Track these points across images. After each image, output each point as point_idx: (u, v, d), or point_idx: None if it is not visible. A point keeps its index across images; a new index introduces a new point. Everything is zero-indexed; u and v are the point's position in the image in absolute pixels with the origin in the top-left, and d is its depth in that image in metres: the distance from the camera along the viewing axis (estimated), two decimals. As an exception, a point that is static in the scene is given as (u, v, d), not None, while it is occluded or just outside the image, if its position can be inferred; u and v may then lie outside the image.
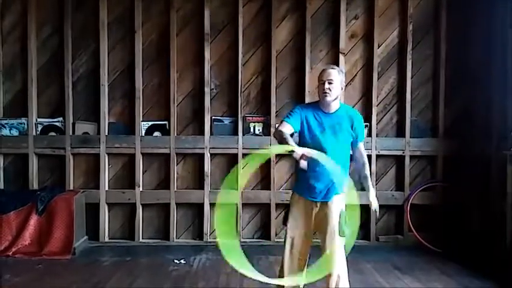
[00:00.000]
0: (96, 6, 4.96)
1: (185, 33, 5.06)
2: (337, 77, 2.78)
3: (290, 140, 2.64)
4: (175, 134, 5.02)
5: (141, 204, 5.01)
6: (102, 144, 4.97)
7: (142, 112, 5.04)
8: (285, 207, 3.11)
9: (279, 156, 4.95)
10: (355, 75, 5.12)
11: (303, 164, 2.56)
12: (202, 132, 5.03)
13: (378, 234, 5.08)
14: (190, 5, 5.05)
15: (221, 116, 5.09)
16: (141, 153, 5.00)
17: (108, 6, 4.98)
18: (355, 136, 2.85)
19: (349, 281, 2.83)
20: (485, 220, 4.70)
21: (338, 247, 2.74)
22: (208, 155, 5.01)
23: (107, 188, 5.01)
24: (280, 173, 5.08)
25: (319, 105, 2.85)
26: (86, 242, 4.83)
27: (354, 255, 2.95)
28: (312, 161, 2.60)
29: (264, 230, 5.13)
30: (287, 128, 2.77)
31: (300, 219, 2.86)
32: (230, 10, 5.04)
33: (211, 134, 5.02)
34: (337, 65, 4.76)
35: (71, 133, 4.97)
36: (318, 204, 2.80)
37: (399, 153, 5.07)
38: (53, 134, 5.01)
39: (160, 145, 4.99)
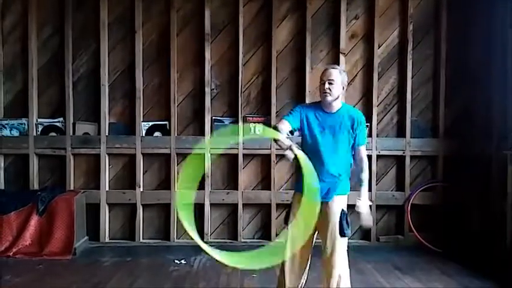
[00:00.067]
0: (96, 7, 4.96)
1: (185, 33, 5.06)
2: (338, 77, 2.78)
3: (282, 134, 2.70)
4: (176, 134, 5.02)
5: (142, 204, 5.01)
6: (103, 145, 4.97)
7: (143, 112, 5.04)
8: (286, 208, 3.11)
9: (280, 157, 4.94)
10: (356, 75, 5.12)
11: (289, 155, 2.58)
12: (202, 133, 5.03)
13: (378, 234, 5.08)
14: (191, 5, 5.05)
15: (221, 116, 5.09)
16: (142, 153, 5.00)
17: (109, 6, 4.99)
18: (354, 137, 2.83)
19: (350, 281, 2.83)
20: (485, 220, 4.70)
21: (339, 247, 2.74)
22: (209, 155, 5.01)
23: (107, 189, 5.01)
24: (280, 173, 5.08)
25: (321, 105, 2.87)
26: (87, 242, 4.83)
27: (355, 256, 2.96)
28: (311, 161, 2.60)
29: (264, 231, 5.12)
30: (285, 125, 2.81)
31: (301, 218, 2.86)
32: (230, 10, 5.04)
33: (211, 134, 5.03)
34: (338, 65, 4.75)
35: (71, 133, 4.97)
36: (319, 204, 2.80)
37: (400, 153, 5.07)
38: (53, 134, 5.01)
39: (161, 145, 4.99)
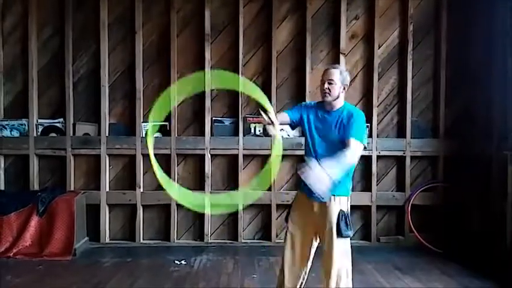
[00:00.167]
0: (96, 7, 4.96)
1: (186, 34, 5.07)
2: (338, 77, 2.79)
3: (276, 122, 2.71)
4: (176, 135, 5.02)
5: (142, 205, 5.01)
6: (103, 145, 4.97)
7: (143, 113, 5.04)
8: (286, 208, 3.12)
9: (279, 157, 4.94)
10: (356, 75, 5.11)
11: (271, 130, 2.68)
12: (202, 133, 5.03)
13: (378, 234, 5.08)
14: (191, 6, 5.05)
15: (222, 117, 5.09)
16: (142, 154, 4.99)
17: (109, 7, 4.99)
18: (345, 129, 2.72)
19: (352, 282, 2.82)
20: (485, 220, 4.69)
21: (336, 248, 2.72)
22: (209, 155, 5.01)
23: (107, 189, 5.01)
24: (281, 174, 5.07)
25: (322, 105, 2.88)
26: (87, 243, 4.83)
27: (355, 256, 2.94)
28: (311, 160, 2.60)
29: (264, 231, 5.12)
30: (282, 115, 2.87)
31: (301, 217, 2.87)
32: (230, 10, 5.04)
33: (211, 134, 5.02)
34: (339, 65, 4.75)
35: (71, 134, 4.97)
36: (318, 204, 2.79)
37: (400, 153, 5.06)
38: (53, 135, 5.01)
39: (161, 146, 4.98)
